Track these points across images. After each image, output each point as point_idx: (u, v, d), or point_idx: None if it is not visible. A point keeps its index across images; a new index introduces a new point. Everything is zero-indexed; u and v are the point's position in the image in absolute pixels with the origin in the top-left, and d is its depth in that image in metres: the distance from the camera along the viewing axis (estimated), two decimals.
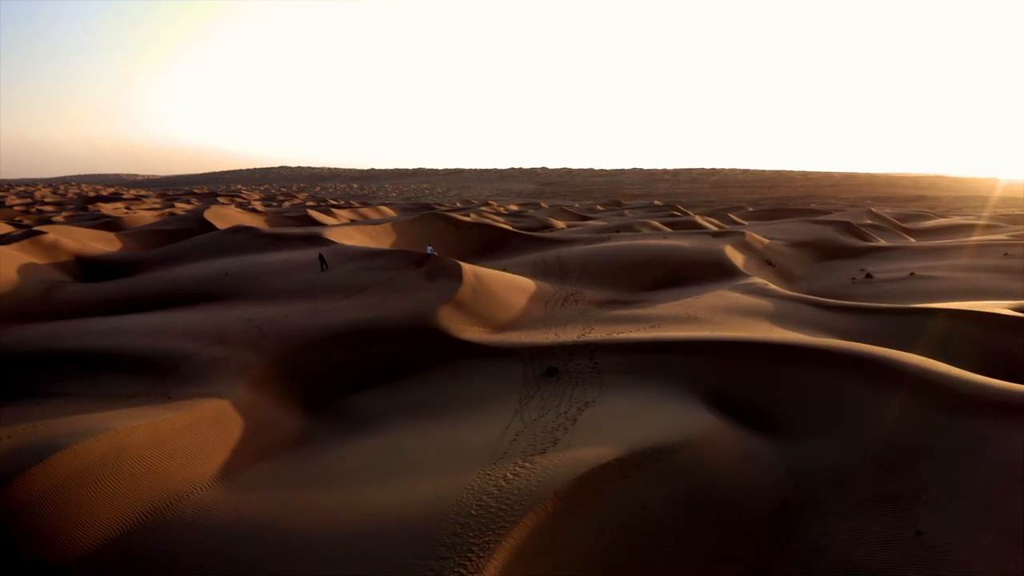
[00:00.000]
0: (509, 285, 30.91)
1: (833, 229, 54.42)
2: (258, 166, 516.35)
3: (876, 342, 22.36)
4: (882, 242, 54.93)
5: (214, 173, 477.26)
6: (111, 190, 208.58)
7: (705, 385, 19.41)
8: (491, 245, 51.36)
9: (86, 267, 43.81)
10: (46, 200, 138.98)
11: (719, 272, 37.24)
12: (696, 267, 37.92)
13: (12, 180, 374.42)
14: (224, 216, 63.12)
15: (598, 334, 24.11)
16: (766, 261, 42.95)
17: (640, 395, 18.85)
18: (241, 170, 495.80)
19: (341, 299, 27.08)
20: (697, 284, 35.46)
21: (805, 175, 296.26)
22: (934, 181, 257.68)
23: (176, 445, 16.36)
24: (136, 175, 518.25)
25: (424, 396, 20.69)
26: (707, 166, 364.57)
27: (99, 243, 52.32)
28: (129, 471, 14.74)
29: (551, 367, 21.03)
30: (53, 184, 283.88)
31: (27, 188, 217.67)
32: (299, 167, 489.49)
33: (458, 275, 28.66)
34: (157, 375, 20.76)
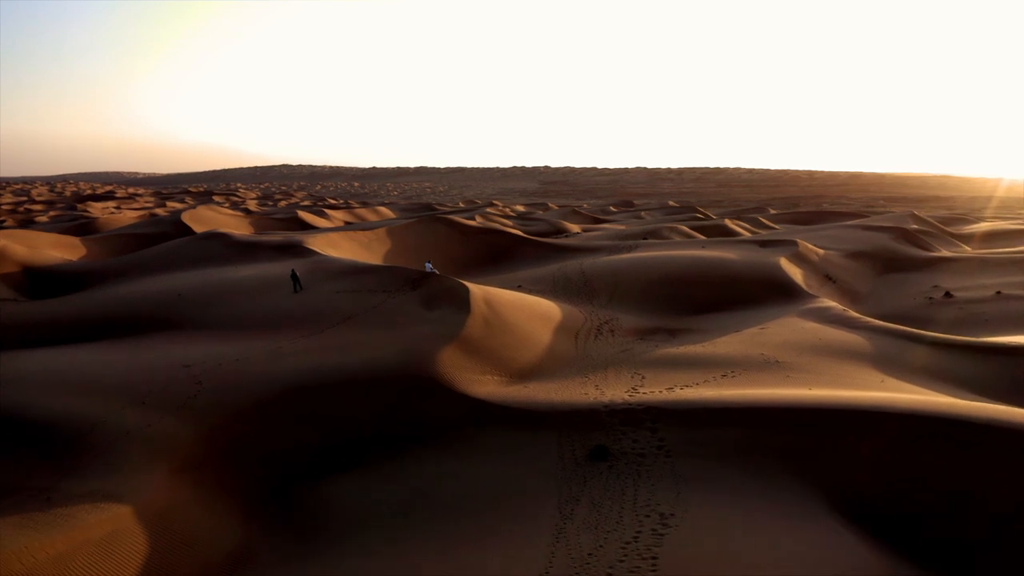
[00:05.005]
0: (529, 312, 24.75)
1: (889, 237, 48.00)
2: (259, 164, 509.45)
3: None
4: (945, 252, 48.58)
5: (215, 171, 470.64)
6: (107, 188, 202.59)
7: (828, 482, 13.29)
8: (500, 254, 45.08)
9: (35, 280, 37.93)
10: (39, 199, 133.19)
11: (778, 291, 31.00)
12: (750, 285, 31.60)
13: (12, 178, 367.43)
14: (203, 219, 57.01)
15: (654, 388, 17.97)
16: (826, 276, 36.70)
17: (736, 501, 12.75)
18: (242, 168, 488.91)
19: (312, 335, 20.89)
20: (754, 306, 29.25)
21: (810, 174, 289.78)
22: (941, 181, 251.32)
23: None
24: (137, 173, 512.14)
25: (418, 488, 14.58)
26: (711, 165, 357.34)
27: (58, 250, 46.33)
28: None
29: (599, 446, 14.91)
30: (52, 182, 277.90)
31: (24, 186, 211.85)
32: (300, 165, 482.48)
33: (465, 302, 22.44)
34: (45, 458, 14.74)
